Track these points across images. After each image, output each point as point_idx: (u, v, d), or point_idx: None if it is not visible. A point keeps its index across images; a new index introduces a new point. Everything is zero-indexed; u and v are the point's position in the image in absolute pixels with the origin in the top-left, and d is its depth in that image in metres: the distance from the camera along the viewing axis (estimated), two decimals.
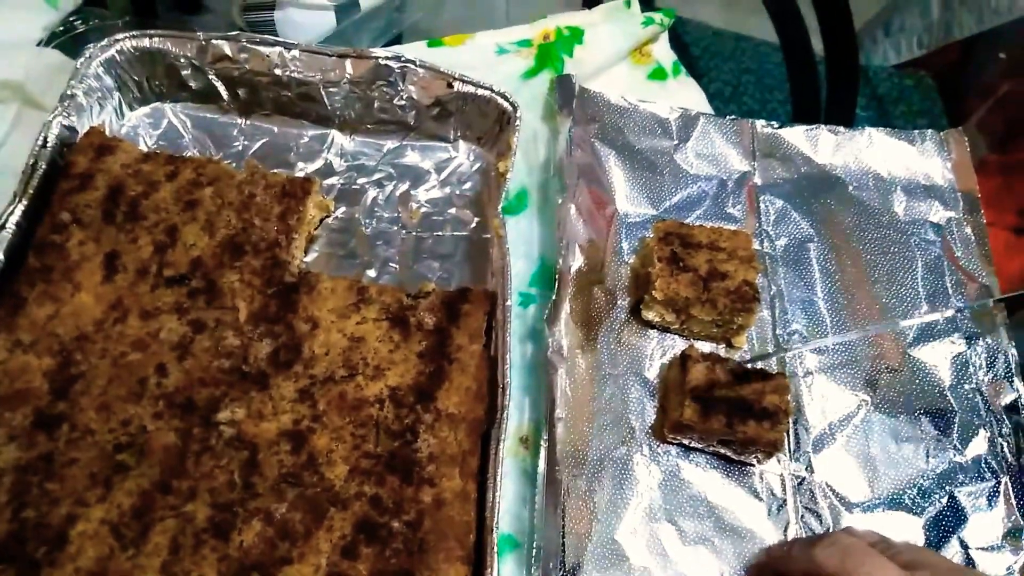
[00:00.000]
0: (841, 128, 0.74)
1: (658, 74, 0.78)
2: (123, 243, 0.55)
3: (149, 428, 0.48)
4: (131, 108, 0.65)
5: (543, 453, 0.52)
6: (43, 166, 0.56)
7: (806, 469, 0.57)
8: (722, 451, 0.56)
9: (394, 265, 0.63)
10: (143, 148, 0.63)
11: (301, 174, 0.66)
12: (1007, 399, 0.61)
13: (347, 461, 0.49)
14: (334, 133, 0.68)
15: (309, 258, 0.62)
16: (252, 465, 0.48)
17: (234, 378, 0.51)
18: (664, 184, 0.69)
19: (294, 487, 0.47)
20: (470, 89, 0.65)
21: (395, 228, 0.65)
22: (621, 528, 0.52)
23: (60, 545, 0.44)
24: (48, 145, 0.57)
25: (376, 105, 0.67)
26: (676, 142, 0.71)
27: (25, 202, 0.54)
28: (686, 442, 0.56)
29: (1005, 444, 0.59)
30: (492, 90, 0.65)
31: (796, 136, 0.73)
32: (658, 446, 0.56)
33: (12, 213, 0.53)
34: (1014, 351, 0.63)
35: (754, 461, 0.56)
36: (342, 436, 0.49)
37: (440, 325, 0.55)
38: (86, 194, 0.56)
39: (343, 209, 0.65)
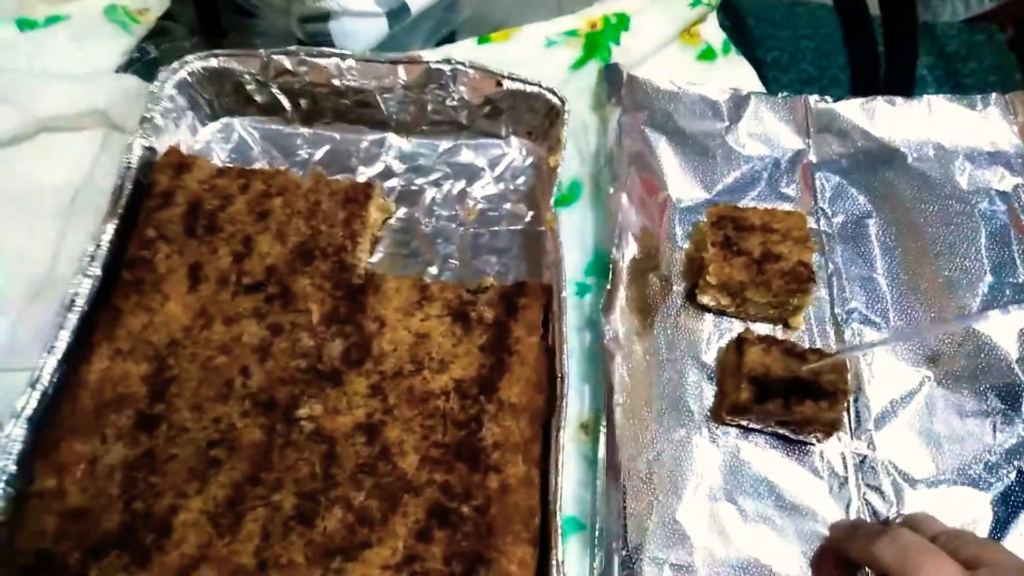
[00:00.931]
0: (899, 98, 0.73)
1: (708, 54, 0.78)
2: (204, 255, 0.59)
3: (237, 425, 0.52)
4: (203, 124, 0.70)
5: (603, 438, 0.54)
6: (129, 186, 0.60)
7: (868, 447, 0.57)
8: (781, 431, 0.57)
9: (454, 261, 0.66)
10: (217, 162, 0.67)
11: (362, 178, 0.69)
12: None
13: (418, 451, 0.52)
14: (391, 136, 0.71)
15: (374, 259, 0.65)
16: (331, 457, 0.51)
17: (311, 376, 0.54)
18: (716, 167, 0.69)
19: (370, 476, 0.51)
20: (519, 86, 0.67)
21: (453, 226, 0.67)
22: (682, 508, 0.54)
23: (166, 533, 0.49)
24: (132, 166, 0.61)
25: (430, 107, 0.69)
26: (727, 123, 0.72)
27: (116, 221, 0.59)
28: (745, 423, 0.57)
29: None
30: (540, 86, 0.66)
31: (851, 109, 0.72)
32: (717, 428, 0.58)
33: (105, 232, 0.58)
34: None
35: (814, 440, 0.57)
36: (412, 427, 0.53)
37: (499, 319, 0.57)
38: (168, 210, 0.60)
39: (404, 210, 0.68)
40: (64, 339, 0.54)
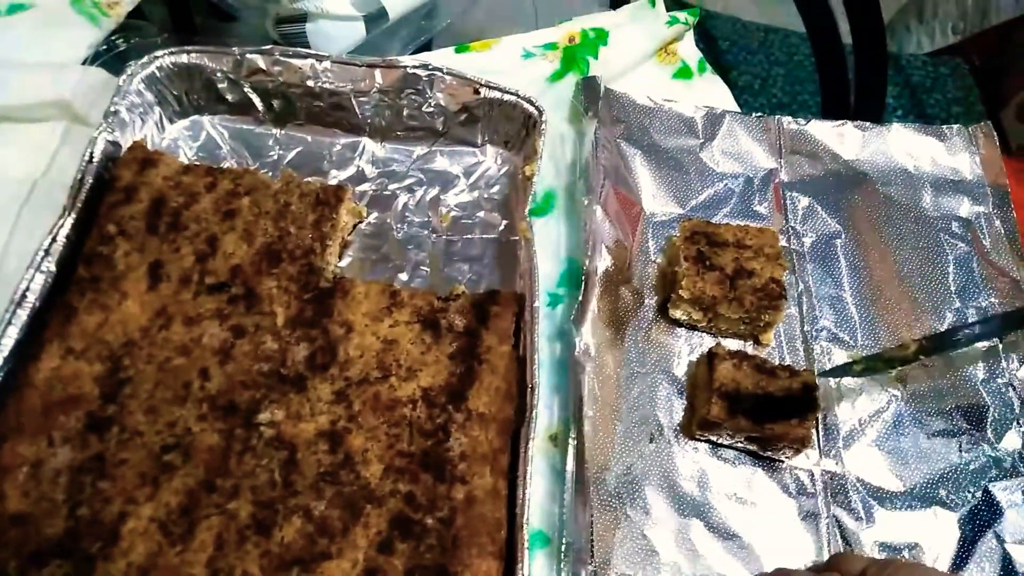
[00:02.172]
0: (868, 123, 0.74)
1: (684, 73, 0.78)
2: (166, 253, 0.57)
3: (194, 429, 0.50)
4: (171, 122, 0.68)
5: (572, 451, 0.53)
6: (90, 180, 0.58)
7: (837, 464, 0.57)
8: (751, 447, 0.56)
9: (425, 268, 0.65)
10: (183, 160, 0.65)
11: (334, 182, 0.68)
12: None
13: (382, 460, 0.50)
14: (365, 141, 0.70)
15: (343, 263, 0.64)
16: (291, 464, 0.50)
17: (273, 381, 0.53)
18: (690, 183, 0.69)
19: (332, 485, 0.49)
20: (496, 95, 0.66)
21: (426, 232, 0.66)
22: (650, 524, 0.53)
23: (113, 541, 0.46)
24: (94, 160, 0.59)
25: (405, 112, 0.68)
26: (702, 140, 0.72)
27: (74, 215, 0.57)
28: (715, 439, 0.57)
29: None
30: (518, 95, 0.66)
31: (823, 132, 0.73)
32: (687, 443, 0.57)
33: (62, 226, 0.56)
34: None
35: (783, 457, 0.57)
36: (377, 435, 0.51)
37: (470, 327, 0.56)
38: (130, 207, 0.58)
39: (375, 215, 0.67)
40: (12, 336, 0.52)
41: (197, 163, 0.64)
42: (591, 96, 0.71)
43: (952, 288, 0.65)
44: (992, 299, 0.64)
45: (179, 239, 0.58)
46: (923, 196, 0.70)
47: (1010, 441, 0.58)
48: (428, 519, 0.48)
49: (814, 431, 0.57)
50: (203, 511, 0.48)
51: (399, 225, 0.67)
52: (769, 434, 0.54)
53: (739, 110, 0.75)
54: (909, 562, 0.45)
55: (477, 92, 0.66)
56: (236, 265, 0.57)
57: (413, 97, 0.67)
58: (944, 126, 0.73)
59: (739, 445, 0.56)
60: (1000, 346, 0.62)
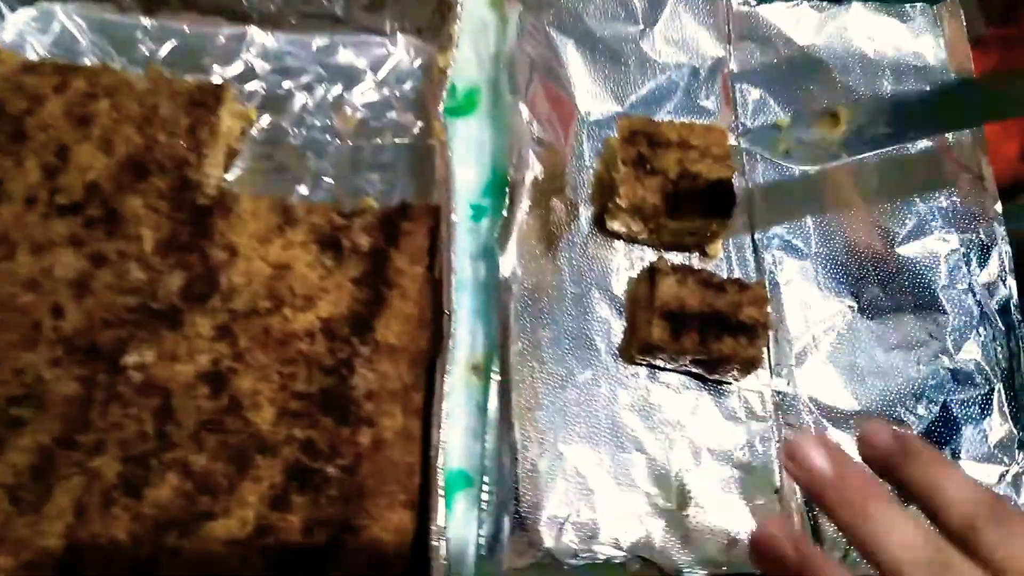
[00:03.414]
0: (825, 3, 0.66)
1: None
2: (6, 168, 0.48)
3: (46, 377, 0.43)
4: (12, 10, 0.57)
5: (495, 382, 0.46)
6: None
7: (788, 384, 0.52)
8: (696, 370, 0.51)
9: (328, 179, 0.56)
10: (32, 57, 0.55)
11: (217, 80, 0.58)
12: (1000, 298, 0.56)
13: (274, 403, 0.43)
14: (253, 31, 0.60)
15: (230, 176, 0.55)
16: (166, 412, 0.42)
17: (142, 316, 0.45)
18: (630, 76, 0.62)
19: (215, 434, 0.42)
20: None
21: (328, 137, 0.58)
22: (586, 460, 0.48)
23: None
24: None
25: None
26: (642, 27, 0.64)
27: None
28: (656, 363, 0.51)
29: (998, 348, 0.54)
30: None
31: (775, 14, 0.65)
32: (625, 368, 0.52)
33: None
34: (1008, 247, 0.58)
35: (731, 379, 0.52)
36: (268, 375, 0.44)
37: (377, 246, 0.49)
38: None
39: (268, 118, 0.58)
40: None
41: (44, 61, 0.54)
42: None
43: (914, 187, 0.60)
44: (955, 198, 0.59)
45: (22, 151, 0.48)
46: (884, 85, 0.64)
47: (969, 351, 0.54)
48: (329, 468, 0.42)
49: (765, 350, 0.52)
50: (60, 472, 0.41)
51: (296, 129, 0.58)
52: (716, 355, 0.49)
53: None
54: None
55: None
56: (93, 181, 0.48)
57: None
58: (907, 4, 0.66)
59: (683, 369, 0.51)
60: (960, 248, 0.57)
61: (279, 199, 0.50)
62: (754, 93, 0.63)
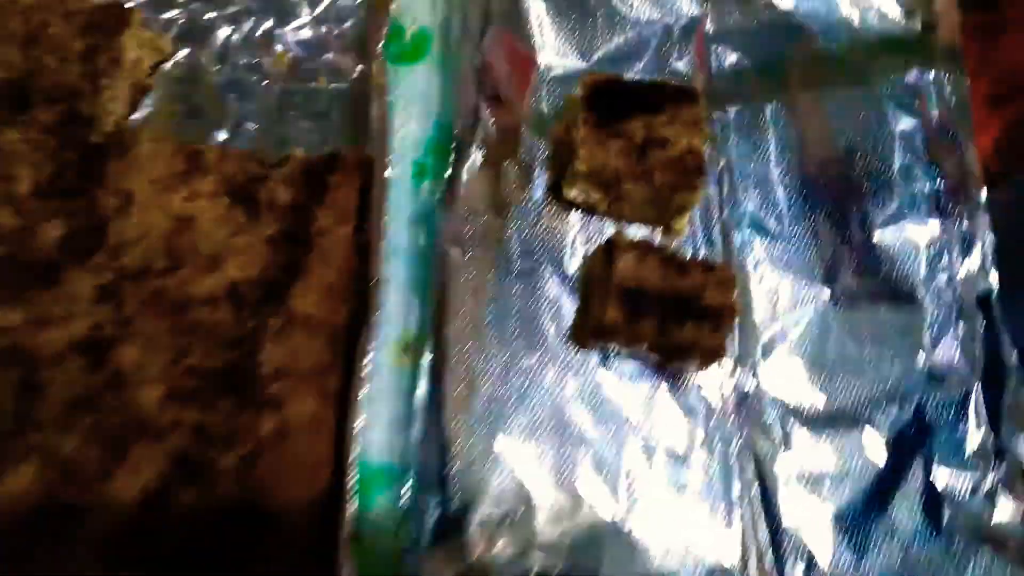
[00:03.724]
0: None
1: None
2: None
3: None
4: None
5: (427, 365, 0.41)
6: None
7: (753, 378, 0.48)
8: (653, 359, 0.46)
9: (251, 125, 0.49)
10: None
11: (129, 4, 0.50)
12: (980, 293, 0.52)
13: (163, 379, 0.37)
14: None
15: (138, 116, 0.48)
16: (30, 387, 0.36)
17: (9, 271, 0.38)
18: (597, 29, 0.56)
19: (89, 414, 0.36)
20: None
21: (254, 78, 0.51)
22: (527, 457, 0.43)
23: None
24: None
25: None
26: None
27: None
28: (610, 349, 0.46)
29: (976, 347, 0.50)
30: None
31: None
32: (576, 354, 0.46)
33: None
34: (991, 235, 0.54)
35: (691, 370, 0.47)
36: (158, 347, 0.38)
37: (299, 201, 0.42)
38: None
39: (186, 52, 0.51)
40: None
41: None
42: None
43: (896, 165, 0.55)
44: (937, 181, 0.55)
45: None
46: (869, 56, 0.59)
47: (945, 350, 0.50)
48: (224, 458, 0.36)
49: (729, 338, 0.47)
50: None
51: (218, 67, 0.51)
52: (677, 343, 0.44)
53: None
54: None
55: None
56: None
57: None
58: None
59: (640, 356, 0.46)
60: (942, 237, 0.53)
61: (186, 143, 0.43)
62: (730, 56, 0.57)
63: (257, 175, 0.43)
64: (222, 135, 0.49)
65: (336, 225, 0.42)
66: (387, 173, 0.42)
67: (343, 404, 0.39)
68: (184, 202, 0.41)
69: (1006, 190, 0.56)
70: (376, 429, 0.40)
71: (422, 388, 0.40)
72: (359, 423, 0.37)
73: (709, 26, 0.58)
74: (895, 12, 0.61)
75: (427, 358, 0.41)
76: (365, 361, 0.38)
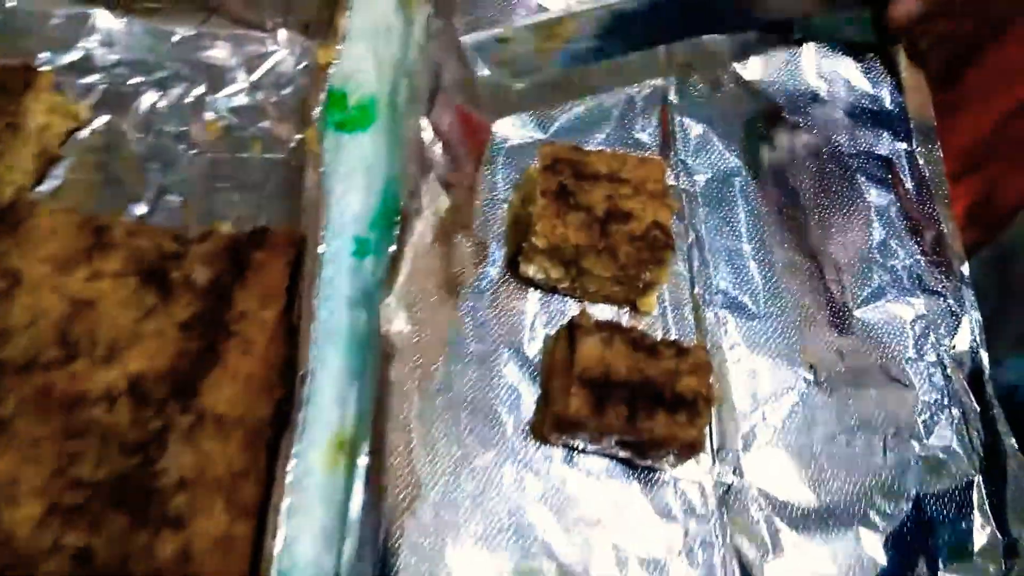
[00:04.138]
0: (774, 38, 0.59)
1: None
2: None
3: None
4: None
5: (364, 468, 0.35)
6: None
7: (734, 472, 0.43)
8: (623, 454, 0.41)
9: (174, 198, 0.45)
10: None
11: (49, 68, 0.46)
12: (971, 373, 0.49)
13: (42, 494, 0.31)
14: (98, 12, 0.49)
15: (45, 187, 0.43)
16: None
17: None
18: (556, 98, 0.53)
19: None
20: None
21: (181, 146, 0.47)
22: (483, 571, 0.37)
23: None
24: None
25: None
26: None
27: None
28: (575, 444, 0.41)
29: (973, 432, 0.46)
30: None
31: (720, 45, 0.58)
32: (537, 450, 0.41)
33: None
34: (978, 314, 0.50)
35: (666, 466, 0.42)
36: (39, 455, 0.32)
37: (219, 282, 0.37)
38: None
39: (106, 119, 0.47)
40: None
41: None
42: None
43: (873, 239, 0.52)
44: (918, 257, 0.52)
45: None
46: (838, 128, 0.57)
47: (941, 435, 0.46)
48: None
49: (706, 430, 0.42)
50: None
51: (141, 135, 0.47)
52: (648, 437, 0.39)
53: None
54: None
55: None
56: None
57: None
58: (864, 43, 0.60)
59: (609, 451, 0.41)
60: (927, 315, 0.49)
61: (90, 216, 0.38)
62: (695, 128, 0.55)
63: (173, 252, 0.38)
64: (140, 208, 0.44)
65: (260, 308, 0.37)
66: (321, 249, 0.38)
67: (263, 517, 0.33)
68: (85, 283, 0.36)
69: (974, 265, 0.53)
70: (302, 545, 0.34)
71: (358, 495, 0.35)
72: (279, 539, 0.31)
73: (673, 96, 0.55)
74: (863, 84, 0.59)
75: (364, 460, 0.35)
76: (290, 466, 0.33)
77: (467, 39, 0.49)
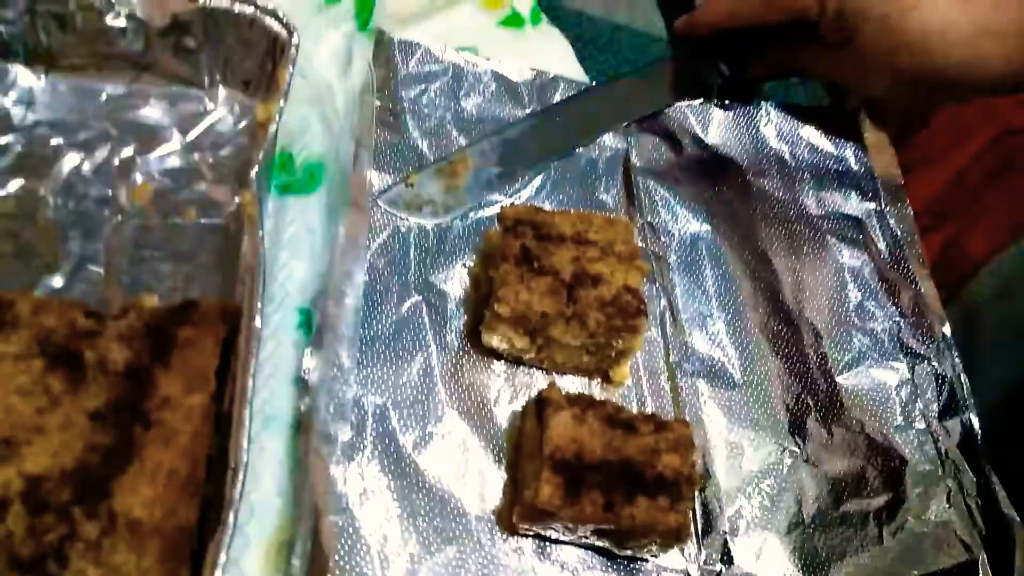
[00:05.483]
0: (735, 103, 0.58)
1: (513, 21, 0.59)
2: None
3: None
4: None
5: (304, 570, 0.30)
6: None
7: (722, 560, 0.39)
8: (601, 543, 0.37)
9: (96, 269, 0.41)
10: None
11: None
12: (963, 440, 0.46)
13: None
14: (17, 69, 0.45)
15: None
16: None
17: None
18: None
19: None
20: (222, 3, 0.43)
21: (105, 212, 0.43)
22: None
23: None
24: None
25: (80, 25, 0.44)
26: (529, 111, 0.53)
27: None
28: (547, 534, 0.37)
29: (972, 505, 0.43)
30: (258, 6, 0.44)
31: (680, 112, 0.56)
32: (505, 542, 0.37)
33: None
34: (964, 376, 0.48)
35: (648, 555, 0.37)
36: None
37: (138, 363, 0.33)
38: None
39: (20, 183, 0.42)
40: None
41: None
42: (374, 44, 0.51)
43: (850, 302, 0.50)
44: (897, 319, 0.50)
45: None
46: (804, 190, 0.55)
47: (939, 510, 0.43)
48: None
49: (691, 514, 0.38)
50: None
51: (60, 200, 0.42)
52: (628, 524, 0.35)
53: (581, 71, 0.58)
54: None
55: None
56: None
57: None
58: (824, 106, 0.59)
59: (585, 541, 0.37)
60: (911, 380, 0.47)
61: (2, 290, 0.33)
62: (659, 191, 0.52)
63: (87, 330, 0.33)
64: (56, 281, 0.40)
65: (185, 393, 0.32)
66: (258, 323, 0.33)
67: None
68: None
69: None
70: None
71: None
72: None
73: (635, 159, 0.53)
74: (826, 145, 0.58)
75: (297, 563, 0.31)
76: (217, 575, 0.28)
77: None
